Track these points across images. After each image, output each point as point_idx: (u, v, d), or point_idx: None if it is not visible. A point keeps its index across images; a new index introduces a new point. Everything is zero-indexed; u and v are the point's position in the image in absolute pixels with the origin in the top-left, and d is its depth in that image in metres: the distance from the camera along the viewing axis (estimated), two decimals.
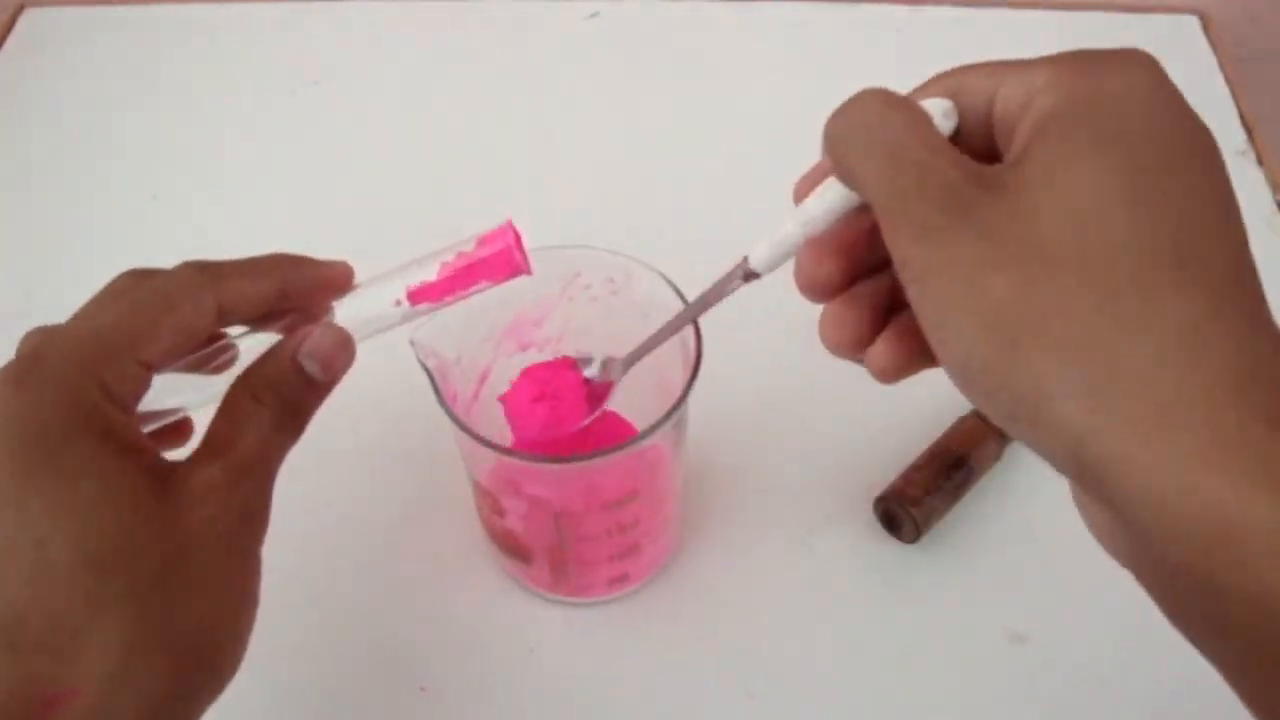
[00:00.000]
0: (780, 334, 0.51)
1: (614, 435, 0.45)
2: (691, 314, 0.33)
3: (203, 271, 0.29)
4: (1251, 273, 0.22)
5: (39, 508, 0.24)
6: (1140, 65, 0.24)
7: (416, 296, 0.31)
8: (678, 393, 0.36)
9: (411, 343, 0.35)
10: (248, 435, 0.28)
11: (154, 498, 0.26)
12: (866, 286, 0.28)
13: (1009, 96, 0.25)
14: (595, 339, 0.42)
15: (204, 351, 0.31)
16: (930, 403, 0.46)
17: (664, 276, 0.38)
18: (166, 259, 0.57)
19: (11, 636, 0.24)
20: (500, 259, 0.31)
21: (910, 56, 0.65)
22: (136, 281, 0.29)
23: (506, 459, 0.37)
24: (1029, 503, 0.45)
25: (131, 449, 0.26)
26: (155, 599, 0.25)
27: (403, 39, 0.69)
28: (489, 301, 0.38)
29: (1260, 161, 0.59)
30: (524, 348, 0.42)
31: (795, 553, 0.45)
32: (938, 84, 0.27)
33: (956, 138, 0.26)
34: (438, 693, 0.41)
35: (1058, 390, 0.21)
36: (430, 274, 0.31)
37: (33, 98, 0.66)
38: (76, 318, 0.28)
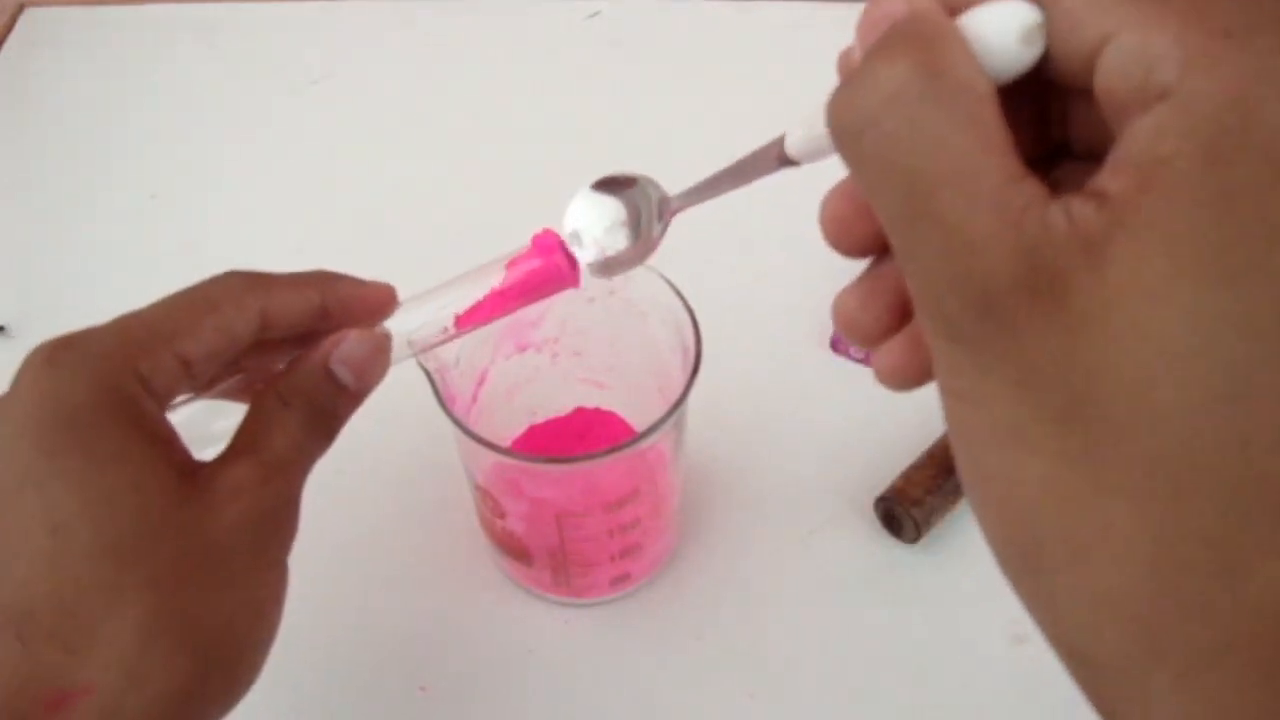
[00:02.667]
0: (780, 334, 0.51)
1: (614, 435, 0.45)
2: (709, 191, 0.27)
3: (248, 277, 0.29)
4: None
5: (60, 490, 0.23)
6: None
7: (464, 321, 0.31)
8: (678, 393, 0.36)
9: (410, 343, 0.34)
10: (276, 438, 0.27)
11: (180, 491, 0.25)
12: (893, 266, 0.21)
13: (1124, 59, 0.16)
14: (593, 339, 0.42)
15: (248, 377, 0.30)
16: (931, 403, 0.46)
17: (662, 276, 0.38)
18: (167, 259, 0.57)
19: (21, 627, 0.23)
20: (549, 274, 0.30)
21: None
22: (183, 289, 0.29)
23: (506, 460, 0.37)
24: None
25: (162, 440, 0.25)
26: (175, 592, 0.24)
27: (403, 39, 0.69)
28: None
29: None
30: (522, 349, 0.42)
31: (795, 553, 0.45)
32: None
33: (1041, 64, 0.18)
34: (438, 693, 0.41)
35: (1090, 652, 0.17)
36: (479, 294, 0.30)
37: (33, 98, 0.66)
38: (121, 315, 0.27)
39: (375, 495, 0.47)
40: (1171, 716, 0.15)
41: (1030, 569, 0.17)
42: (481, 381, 0.42)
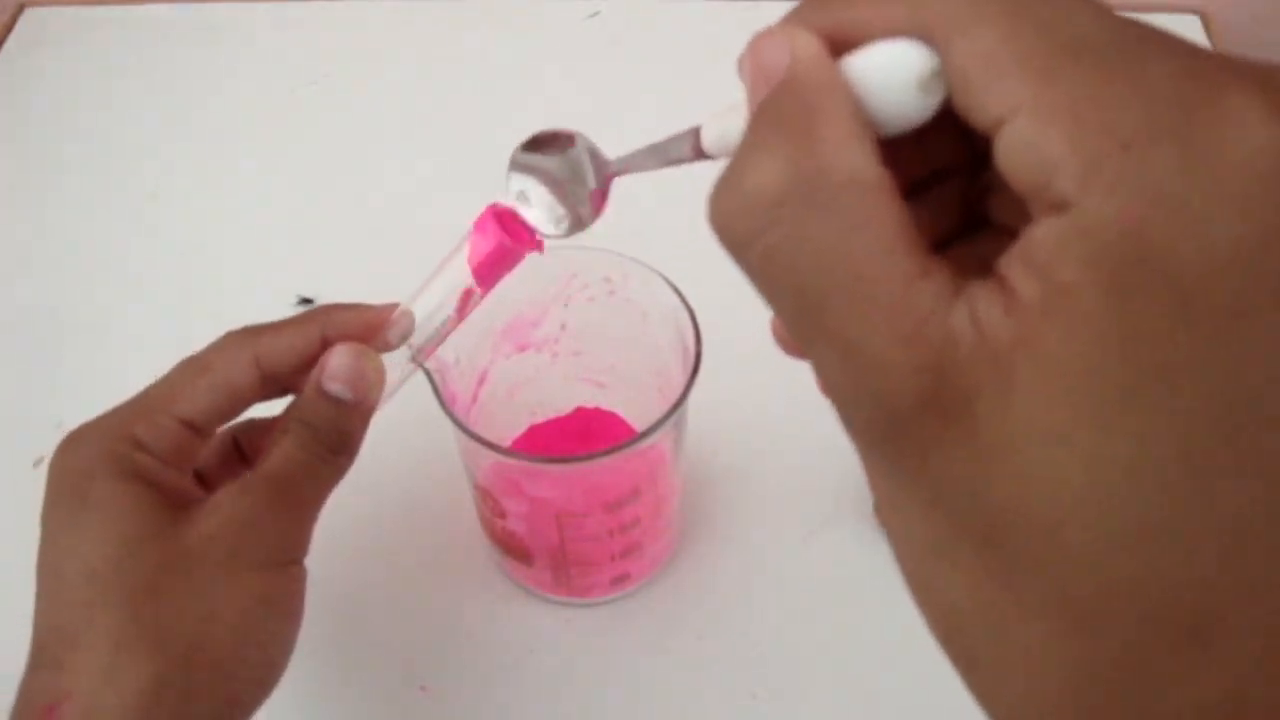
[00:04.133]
0: None
1: (614, 435, 0.45)
2: (636, 164, 0.26)
3: (241, 332, 0.32)
4: None
5: (64, 539, 0.28)
6: (1265, 189, 0.14)
7: (456, 317, 0.32)
8: (678, 393, 0.36)
9: (410, 344, 0.35)
10: (266, 461, 0.30)
11: (162, 518, 0.28)
12: None
13: (1022, 153, 0.15)
14: (593, 339, 0.42)
15: None
16: None
17: (662, 276, 0.38)
18: (166, 259, 0.57)
19: (32, 659, 0.27)
20: (503, 253, 0.31)
21: None
22: (186, 358, 0.32)
23: (506, 460, 0.37)
24: None
25: (151, 483, 0.28)
26: (148, 602, 0.26)
27: (403, 39, 0.69)
28: (487, 303, 0.38)
29: None
30: (522, 349, 0.42)
31: (795, 553, 0.45)
32: (898, 3, 0.17)
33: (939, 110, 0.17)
34: (438, 693, 0.41)
35: None
36: (453, 291, 0.31)
37: (33, 98, 0.66)
38: None
39: (375, 495, 0.47)
40: None
41: (970, 674, 0.17)
42: (482, 381, 0.42)
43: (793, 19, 0.18)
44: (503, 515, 0.39)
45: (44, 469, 0.29)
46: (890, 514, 0.18)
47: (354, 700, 0.41)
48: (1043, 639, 0.15)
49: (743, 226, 0.17)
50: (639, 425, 0.44)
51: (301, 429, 0.30)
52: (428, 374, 0.35)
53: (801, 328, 0.17)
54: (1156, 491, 0.14)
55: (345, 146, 0.62)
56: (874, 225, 0.16)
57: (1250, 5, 0.68)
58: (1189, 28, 0.67)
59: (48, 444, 0.30)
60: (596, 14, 0.69)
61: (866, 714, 0.40)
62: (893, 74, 0.16)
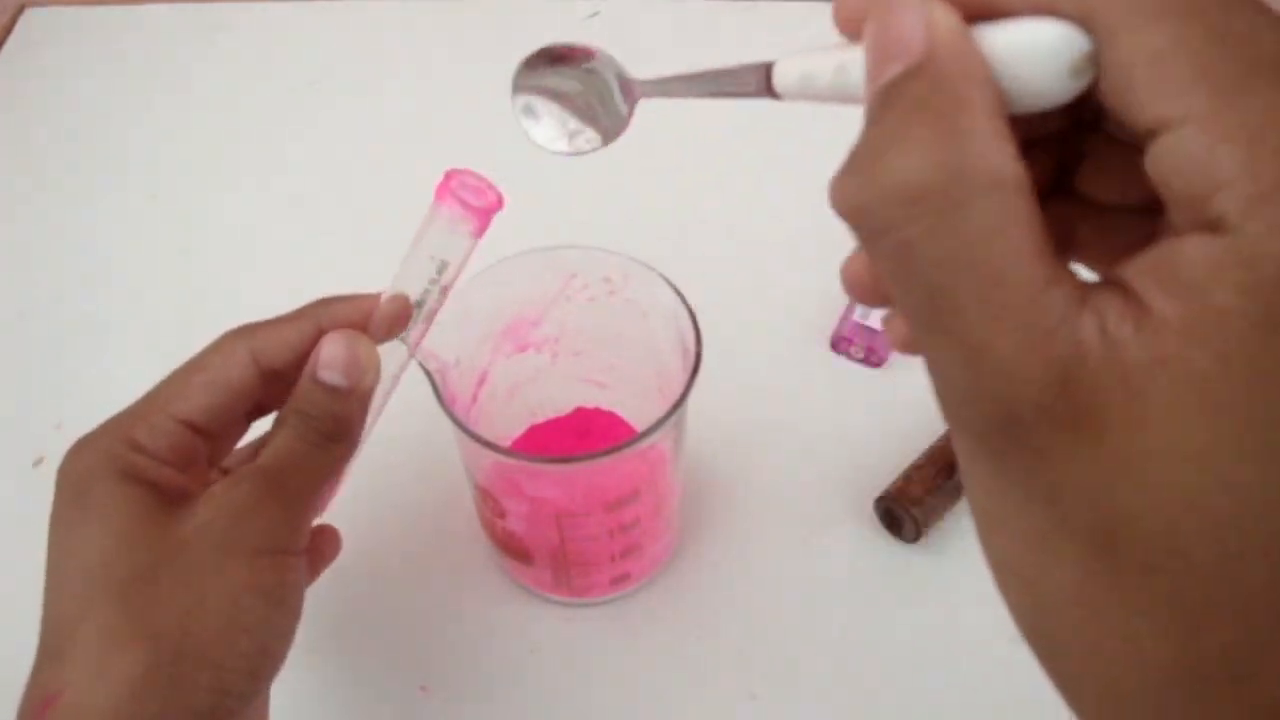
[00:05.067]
0: (780, 334, 0.51)
1: (614, 435, 0.45)
2: (679, 88, 0.25)
3: (236, 331, 0.32)
4: None
5: (66, 540, 0.28)
6: None
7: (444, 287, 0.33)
8: (678, 393, 0.36)
9: (402, 341, 0.35)
10: (263, 454, 0.30)
11: (158, 514, 0.28)
12: None
13: (1186, 161, 0.15)
14: (593, 339, 0.42)
15: None
16: (930, 403, 0.46)
17: (662, 276, 0.38)
18: (166, 258, 0.57)
19: (38, 653, 0.28)
20: (464, 215, 0.32)
21: None
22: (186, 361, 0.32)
23: (506, 460, 0.37)
24: None
25: (149, 483, 0.29)
26: (139, 593, 0.27)
27: (403, 39, 0.69)
28: (487, 303, 0.39)
29: None
30: (522, 349, 0.42)
31: (795, 553, 0.45)
32: None
33: (1091, 90, 0.16)
34: (438, 693, 0.41)
35: None
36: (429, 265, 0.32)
37: (33, 98, 0.66)
38: None
39: (376, 495, 0.47)
40: None
41: (1052, 653, 0.18)
42: (482, 381, 0.42)
43: None
44: (503, 515, 0.39)
45: (44, 469, 0.29)
46: (984, 498, 0.18)
47: (354, 700, 0.41)
48: (1145, 635, 0.16)
49: (880, 218, 0.16)
50: (639, 425, 0.44)
51: (297, 419, 0.30)
52: (428, 374, 0.35)
53: (928, 323, 0.17)
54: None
55: (345, 146, 0.62)
56: (1012, 230, 0.15)
57: None
58: None
59: (48, 444, 0.30)
60: (596, 14, 0.69)
61: (866, 714, 0.40)
62: (1042, 56, 0.16)
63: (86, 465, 0.29)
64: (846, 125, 0.20)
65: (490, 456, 0.36)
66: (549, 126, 0.27)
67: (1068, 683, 0.18)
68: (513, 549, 0.41)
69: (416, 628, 0.43)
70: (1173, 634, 0.16)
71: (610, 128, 0.26)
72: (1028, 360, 0.15)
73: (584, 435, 0.45)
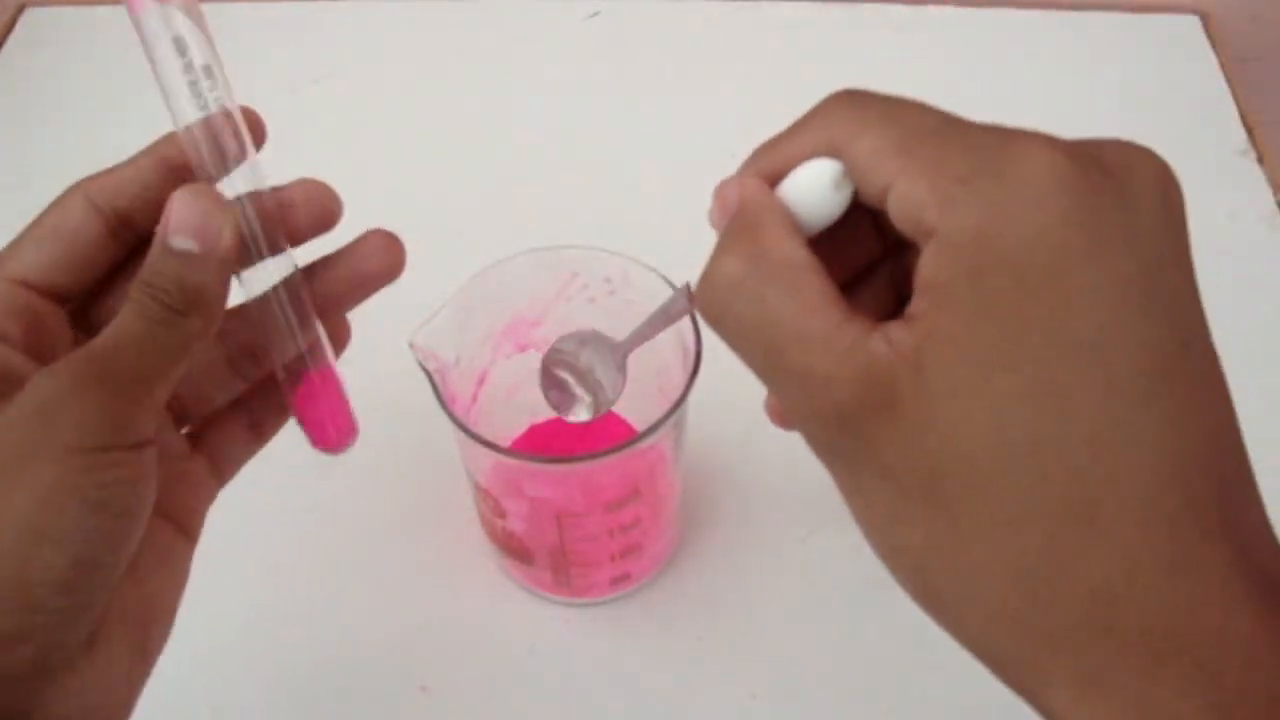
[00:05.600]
0: None
1: (614, 435, 0.45)
2: (640, 338, 0.33)
3: (75, 183, 0.30)
4: (1194, 495, 0.20)
5: None
6: (1051, 191, 0.20)
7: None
8: (678, 393, 0.36)
9: (411, 345, 0.35)
10: (100, 338, 0.26)
11: None
12: None
13: (902, 204, 0.21)
14: None
15: None
16: None
17: (662, 276, 0.38)
18: None
19: None
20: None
21: (911, 56, 0.65)
22: None
23: (507, 460, 0.37)
24: None
25: None
26: None
27: (403, 39, 0.69)
28: (487, 303, 0.39)
29: (1261, 161, 0.59)
30: (522, 349, 0.42)
31: (795, 553, 0.45)
32: (811, 132, 0.24)
33: (855, 207, 0.24)
34: (438, 693, 0.41)
35: (993, 655, 0.22)
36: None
37: (33, 98, 0.66)
38: None
39: (375, 495, 0.47)
40: (1063, 678, 0.20)
41: (937, 608, 0.23)
42: (481, 381, 0.42)
43: (743, 169, 0.25)
44: (503, 515, 0.39)
45: None
46: (855, 501, 0.23)
47: (354, 700, 0.41)
48: (984, 553, 0.20)
49: (717, 303, 0.23)
50: (639, 425, 0.44)
51: (139, 291, 0.26)
52: (428, 374, 0.35)
53: (768, 370, 0.23)
54: (1033, 411, 0.20)
55: (345, 146, 0.62)
56: (807, 289, 0.22)
57: (1250, 6, 0.68)
58: (1189, 28, 0.67)
59: None
60: (596, 14, 0.69)
61: (866, 714, 0.40)
62: (813, 183, 0.23)
63: None
64: None
65: (490, 456, 0.36)
66: (574, 402, 0.34)
67: (958, 625, 0.22)
68: (513, 549, 0.41)
69: (416, 628, 0.43)
70: (999, 546, 0.20)
71: (604, 398, 0.34)
72: (839, 371, 0.21)
73: (584, 435, 0.45)
